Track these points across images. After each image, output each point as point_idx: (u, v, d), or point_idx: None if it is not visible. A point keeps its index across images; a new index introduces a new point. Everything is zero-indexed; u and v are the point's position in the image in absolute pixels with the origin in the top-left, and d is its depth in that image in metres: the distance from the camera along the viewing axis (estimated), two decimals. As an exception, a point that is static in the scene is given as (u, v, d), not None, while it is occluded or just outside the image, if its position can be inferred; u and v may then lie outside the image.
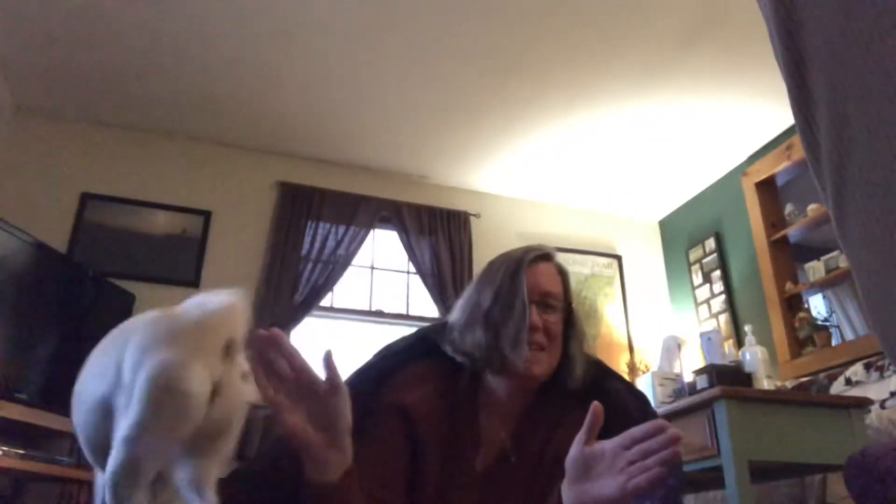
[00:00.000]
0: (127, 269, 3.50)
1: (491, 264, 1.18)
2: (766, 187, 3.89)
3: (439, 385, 1.12)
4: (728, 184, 4.20)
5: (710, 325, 4.08)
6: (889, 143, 0.35)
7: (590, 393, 1.06)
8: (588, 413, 0.86)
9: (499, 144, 3.99)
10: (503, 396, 1.12)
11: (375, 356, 1.21)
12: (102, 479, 0.70)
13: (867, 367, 2.76)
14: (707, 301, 4.21)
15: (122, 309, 3.35)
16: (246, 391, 0.78)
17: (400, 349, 1.21)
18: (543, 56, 3.24)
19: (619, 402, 1.09)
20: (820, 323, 3.51)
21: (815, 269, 3.48)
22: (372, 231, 4.08)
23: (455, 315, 1.17)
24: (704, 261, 4.29)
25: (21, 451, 2.49)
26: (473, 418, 1.11)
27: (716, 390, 2.01)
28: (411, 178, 4.32)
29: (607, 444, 0.83)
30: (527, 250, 1.17)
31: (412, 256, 4.06)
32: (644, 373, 3.88)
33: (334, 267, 3.83)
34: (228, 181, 3.93)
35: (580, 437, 0.85)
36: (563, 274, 1.19)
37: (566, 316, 1.15)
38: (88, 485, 2.85)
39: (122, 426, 0.69)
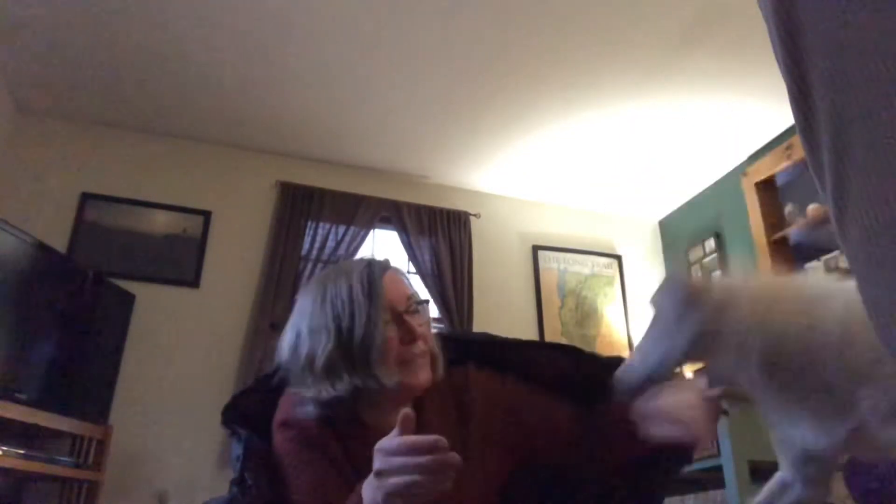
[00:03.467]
0: (127, 269, 3.50)
1: (326, 287, 1.07)
2: (766, 187, 3.89)
3: (303, 434, 1.05)
4: (728, 184, 4.20)
5: (710, 325, 4.08)
6: (889, 142, 0.35)
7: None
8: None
9: (499, 144, 3.99)
10: (384, 414, 1.04)
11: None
12: None
13: (867, 367, 2.75)
14: (707, 301, 4.20)
15: (122, 309, 3.35)
16: None
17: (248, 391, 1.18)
18: (543, 56, 3.24)
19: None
20: (820, 323, 3.50)
21: (815, 269, 3.48)
22: (372, 231, 4.08)
23: (293, 356, 1.06)
24: (704, 261, 4.29)
25: (21, 451, 2.49)
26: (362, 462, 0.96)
27: (716, 390, 2.01)
28: (411, 178, 4.32)
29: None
30: (369, 266, 1.08)
31: (412, 256, 4.06)
32: (644, 373, 3.87)
33: (334, 267, 3.83)
34: (228, 181, 3.93)
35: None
36: (404, 275, 1.15)
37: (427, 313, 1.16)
38: (88, 484, 2.85)
39: None
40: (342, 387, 1.01)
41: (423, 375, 1.06)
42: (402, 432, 0.82)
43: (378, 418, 1.05)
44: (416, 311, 1.09)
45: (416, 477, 0.79)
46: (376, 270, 1.07)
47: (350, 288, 1.04)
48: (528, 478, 1.12)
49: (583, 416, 1.10)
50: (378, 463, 0.82)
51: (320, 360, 1.02)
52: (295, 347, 1.06)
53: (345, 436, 1.05)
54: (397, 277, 1.11)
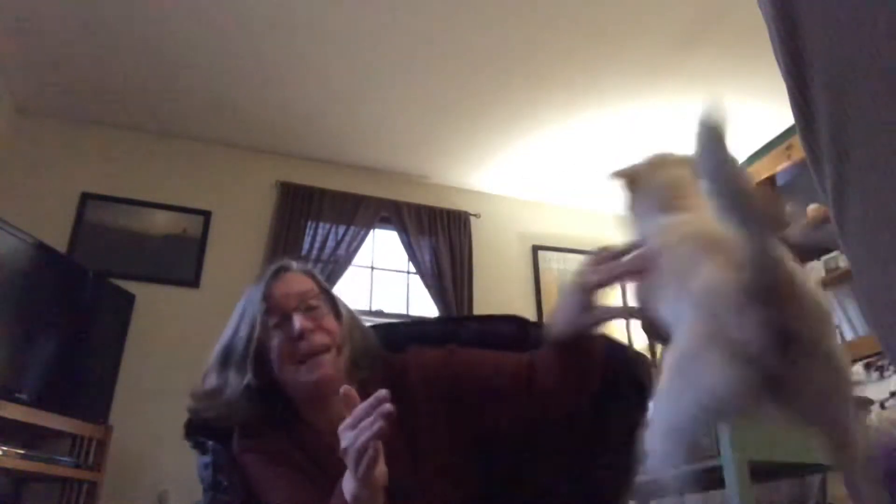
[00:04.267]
0: (127, 269, 3.50)
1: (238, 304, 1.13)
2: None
3: (265, 441, 1.07)
4: (728, 184, 4.20)
5: (710, 325, 4.07)
6: (889, 142, 0.35)
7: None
8: None
9: (499, 144, 3.99)
10: (324, 410, 1.05)
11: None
12: None
13: (867, 367, 2.76)
14: (707, 301, 4.20)
15: (122, 309, 3.35)
16: None
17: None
18: (543, 56, 3.24)
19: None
20: (820, 323, 3.49)
21: (815, 269, 3.48)
22: (372, 231, 4.08)
23: (203, 377, 1.10)
24: (704, 261, 4.28)
25: (21, 451, 2.49)
26: (316, 454, 1.04)
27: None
28: (411, 178, 4.32)
29: None
30: (260, 276, 1.12)
31: (412, 256, 4.06)
32: (644, 373, 3.87)
33: (334, 267, 3.83)
34: (228, 181, 3.93)
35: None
36: (308, 273, 1.15)
37: (333, 306, 1.12)
38: (88, 484, 2.85)
39: None
40: (206, 392, 1.05)
41: (321, 371, 1.03)
42: (349, 409, 0.84)
43: (323, 419, 1.06)
44: (312, 308, 1.07)
45: (365, 437, 0.80)
46: (264, 278, 1.10)
47: (242, 300, 1.10)
48: (483, 461, 1.09)
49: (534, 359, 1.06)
50: (342, 443, 0.84)
51: (200, 381, 1.09)
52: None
53: (303, 443, 1.06)
54: (289, 278, 1.11)
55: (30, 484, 2.89)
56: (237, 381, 1.03)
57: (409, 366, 1.11)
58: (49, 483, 2.84)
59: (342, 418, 0.87)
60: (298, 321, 1.03)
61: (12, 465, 2.44)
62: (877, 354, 2.81)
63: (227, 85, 3.45)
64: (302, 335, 1.03)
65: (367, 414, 0.82)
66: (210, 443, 1.12)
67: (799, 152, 3.52)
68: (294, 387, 1.06)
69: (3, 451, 2.38)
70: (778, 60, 0.44)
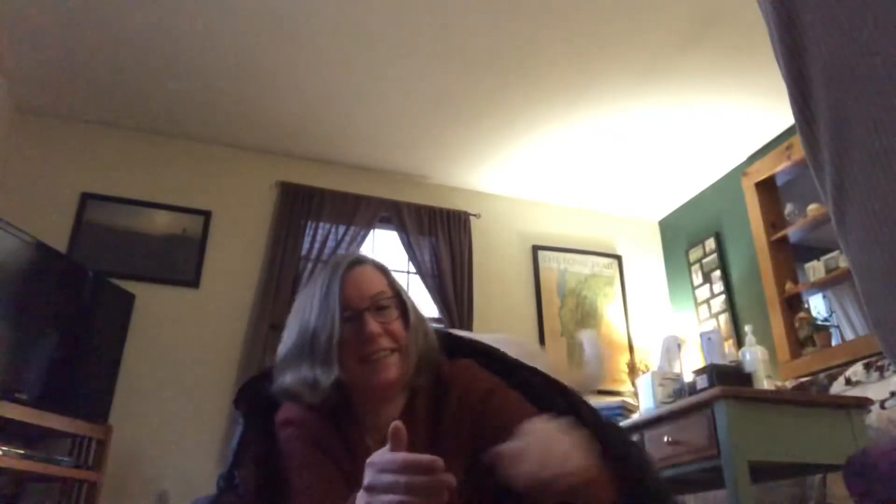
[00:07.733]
0: (127, 269, 3.50)
1: (305, 287, 1.13)
2: (766, 187, 3.89)
3: (310, 431, 1.06)
4: (728, 184, 4.20)
5: (710, 325, 4.08)
6: (889, 142, 0.35)
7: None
8: None
9: (499, 144, 3.99)
10: (375, 409, 1.07)
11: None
12: None
13: (867, 367, 2.76)
14: (707, 301, 4.21)
15: (122, 309, 3.35)
16: None
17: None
18: (543, 56, 3.24)
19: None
20: (820, 323, 3.51)
21: (815, 269, 3.48)
22: (372, 231, 4.08)
23: (282, 350, 1.10)
24: (704, 261, 4.29)
25: (21, 451, 2.49)
26: (356, 446, 1.05)
27: (716, 390, 2.01)
28: (411, 178, 4.32)
29: None
30: (335, 264, 1.11)
31: (412, 256, 4.06)
32: (644, 373, 3.87)
33: (334, 267, 3.83)
34: (228, 181, 3.93)
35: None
36: (382, 270, 1.14)
37: (403, 309, 1.10)
38: (88, 484, 2.85)
39: None
40: (298, 379, 1.05)
41: (384, 374, 1.03)
42: (394, 447, 0.78)
43: (371, 414, 1.07)
44: (382, 308, 1.07)
45: (405, 497, 0.75)
46: (340, 269, 1.09)
47: (316, 286, 1.10)
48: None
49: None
50: (368, 478, 0.79)
51: (282, 353, 1.09)
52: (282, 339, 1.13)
53: (345, 432, 1.06)
54: (364, 274, 1.10)
55: (30, 484, 2.89)
56: (325, 377, 1.03)
57: (455, 381, 1.09)
58: (49, 483, 2.84)
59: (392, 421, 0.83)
60: (370, 323, 1.04)
61: (12, 465, 2.44)
62: (877, 354, 2.81)
63: (226, 85, 3.45)
64: (371, 337, 1.03)
65: (406, 468, 0.75)
66: (242, 422, 1.12)
67: (799, 152, 3.52)
68: (354, 382, 1.06)
69: (3, 451, 2.38)
70: (778, 60, 0.44)
